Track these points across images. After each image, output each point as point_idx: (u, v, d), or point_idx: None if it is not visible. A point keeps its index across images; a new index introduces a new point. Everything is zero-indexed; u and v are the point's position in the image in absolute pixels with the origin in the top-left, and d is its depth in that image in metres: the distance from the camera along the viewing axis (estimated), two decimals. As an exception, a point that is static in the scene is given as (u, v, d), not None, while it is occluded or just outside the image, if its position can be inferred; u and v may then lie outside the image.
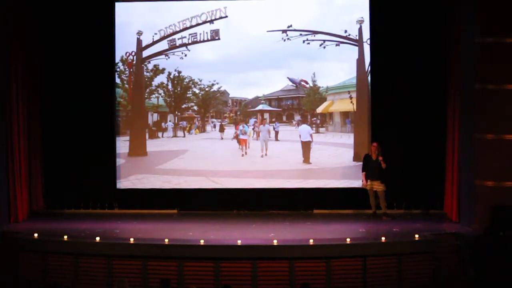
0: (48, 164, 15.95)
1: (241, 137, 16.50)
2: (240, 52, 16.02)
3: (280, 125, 16.59)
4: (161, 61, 16.17)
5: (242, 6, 15.93)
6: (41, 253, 12.75)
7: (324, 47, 15.79)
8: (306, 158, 16.09)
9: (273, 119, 16.62)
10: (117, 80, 16.12)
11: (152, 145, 16.44)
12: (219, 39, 16.03)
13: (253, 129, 16.56)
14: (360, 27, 15.67)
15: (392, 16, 15.38)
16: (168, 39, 16.09)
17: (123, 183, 16.09)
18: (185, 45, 16.08)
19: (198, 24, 16.02)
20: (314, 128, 16.24)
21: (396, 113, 15.42)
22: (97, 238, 12.85)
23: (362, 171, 15.06)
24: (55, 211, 15.86)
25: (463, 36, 14.03)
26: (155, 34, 16.08)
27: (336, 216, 15.30)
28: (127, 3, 15.97)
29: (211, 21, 15.98)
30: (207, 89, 16.37)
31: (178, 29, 16.07)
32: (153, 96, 16.45)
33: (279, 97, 16.52)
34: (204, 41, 16.08)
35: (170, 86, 16.37)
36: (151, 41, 16.10)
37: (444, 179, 15.02)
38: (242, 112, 16.66)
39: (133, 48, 16.07)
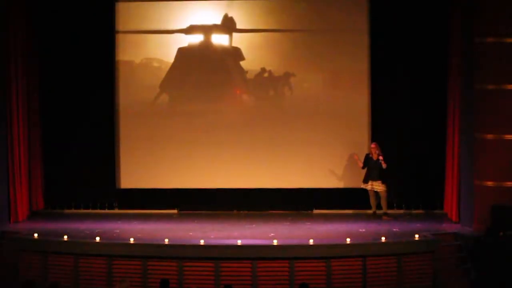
0: (48, 164, 15.93)
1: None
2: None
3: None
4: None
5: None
6: (41, 253, 12.75)
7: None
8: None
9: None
10: (117, 80, 16.07)
11: (152, 145, 16.42)
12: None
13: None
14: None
15: (392, 16, 15.37)
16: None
17: (123, 183, 16.08)
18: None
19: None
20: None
21: (396, 113, 15.41)
22: (97, 238, 12.86)
23: (362, 168, 15.02)
24: (55, 211, 15.85)
25: (463, 36, 14.03)
26: (155, 34, 16.05)
27: (336, 216, 15.29)
28: (127, 3, 15.95)
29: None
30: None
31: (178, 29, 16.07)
32: (153, 96, 16.42)
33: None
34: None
35: (170, 86, 16.36)
36: (152, 41, 16.07)
37: (444, 179, 15.02)
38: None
39: (133, 48, 16.02)
